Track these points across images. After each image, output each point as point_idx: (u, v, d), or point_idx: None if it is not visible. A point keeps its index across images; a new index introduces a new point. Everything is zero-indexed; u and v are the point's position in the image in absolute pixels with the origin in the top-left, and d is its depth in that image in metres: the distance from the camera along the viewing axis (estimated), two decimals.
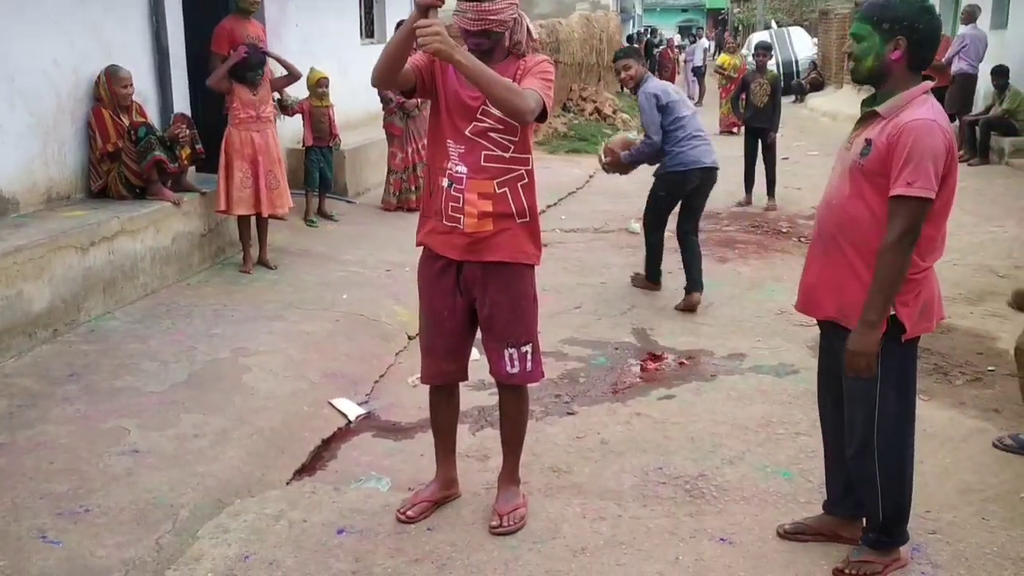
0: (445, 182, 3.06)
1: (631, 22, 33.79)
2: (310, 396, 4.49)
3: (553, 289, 6.60)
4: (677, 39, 34.95)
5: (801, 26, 27.76)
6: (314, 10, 9.17)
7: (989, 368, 5.02)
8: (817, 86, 23.95)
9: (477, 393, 4.72)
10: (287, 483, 3.75)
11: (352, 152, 8.75)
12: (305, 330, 5.23)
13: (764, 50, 10.24)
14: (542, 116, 2.94)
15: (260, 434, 4.02)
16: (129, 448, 3.73)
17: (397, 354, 5.28)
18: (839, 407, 3.08)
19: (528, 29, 3.11)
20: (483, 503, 3.50)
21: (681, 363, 5.10)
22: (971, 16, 12.04)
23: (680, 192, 6.22)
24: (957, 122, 11.97)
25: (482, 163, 3.03)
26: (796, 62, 23.94)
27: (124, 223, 5.36)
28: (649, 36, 28.39)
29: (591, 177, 11.99)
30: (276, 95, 7.25)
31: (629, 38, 27.97)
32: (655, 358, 5.16)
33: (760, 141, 9.71)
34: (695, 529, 3.34)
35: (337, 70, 8.05)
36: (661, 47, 24.65)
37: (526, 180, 3.12)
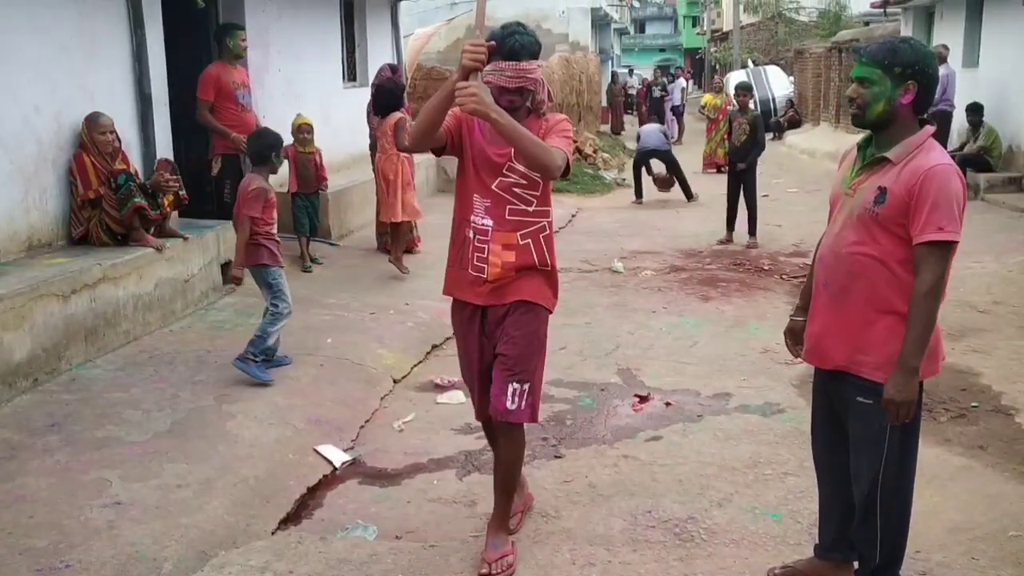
0: (471, 233, 3.23)
1: (610, 62, 34.18)
2: (295, 443, 4.44)
3: None
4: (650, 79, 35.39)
5: (777, 65, 28.17)
6: (296, 54, 9.23)
7: (973, 404, 5.04)
8: (794, 124, 24.28)
9: (464, 437, 4.71)
10: (272, 533, 3.70)
11: (336, 195, 8.76)
12: (289, 375, 5.19)
13: (744, 91, 10.38)
14: (565, 172, 3.12)
15: (244, 483, 3.97)
16: (111, 500, 3.67)
17: (382, 398, 5.25)
18: (836, 451, 3.07)
19: (548, 90, 3.31)
20: (471, 550, 3.46)
21: (667, 404, 5.09)
22: (942, 57, 12.29)
23: None
24: None
25: (507, 216, 3.20)
26: (773, 100, 24.27)
27: (106, 270, 5.33)
28: (651, 80, 28.75)
29: (574, 216, 12.06)
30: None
31: (613, 75, 28.33)
32: (641, 399, 5.15)
33: (739, 177, 9.85)
34: (685, 574, 3.31)
35: (320, 113, 8.10)
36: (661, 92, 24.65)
37: (547, 232, 3.30)
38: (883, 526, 2.92)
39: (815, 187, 14.79)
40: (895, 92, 2.74)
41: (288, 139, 7.68)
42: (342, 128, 9.61)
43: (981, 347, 6.02)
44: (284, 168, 7.66)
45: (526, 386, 3.29)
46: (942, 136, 11.80)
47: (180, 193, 6.06)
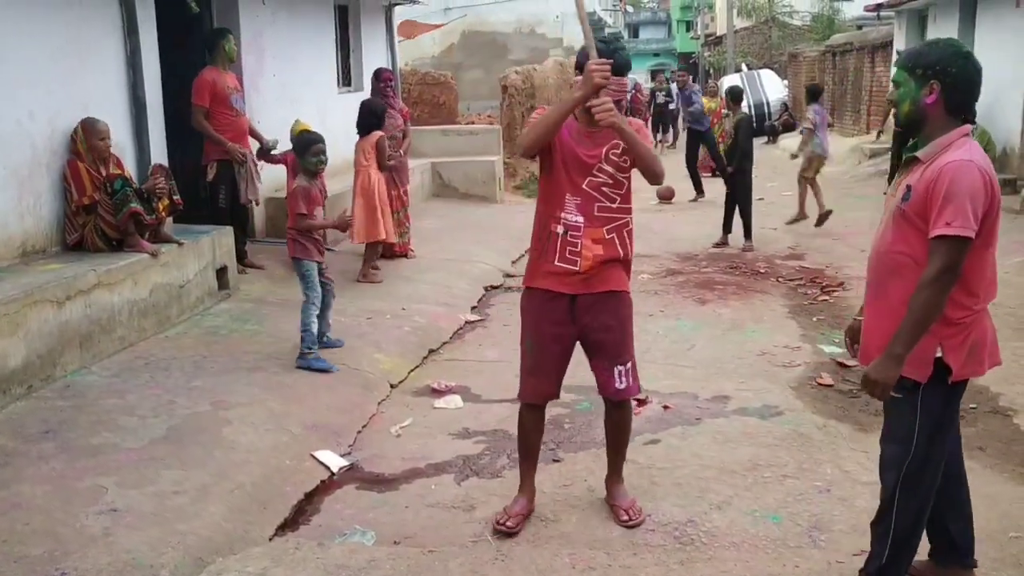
0: (560, 229, 3.51)
1: None
2: (292, 449, 4.42)
3: None
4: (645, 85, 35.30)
5: (771, 68, 28.21)
6: (291, 59, 9.22)
7: (971, 406, 5.03)
8: (789, 127, 24.29)
9: (462, 442, 4.69)
10: (270, 539, 3.68)
11: (331, 200, 8.68)
12: (285, 381, 5.17)
13: (734, 101, 10.54)
14: None
15: (241, 489, 3.95)
16: (107, 507, 3.64)
17: (379, 404, 5.23)
18: None
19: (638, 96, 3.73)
20: (471, 556, 3.45)
21: (665, 407, 5.07)
22: None
23: None
24: None
25: (596, 213, 3.50)
26: (767, 104, 24.27)
27: (101, 276, 5.30)
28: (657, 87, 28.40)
29: None
30: (257, 143, 7.27)
31: None
32: (639, 402, 5.12)
33: (730, 181, 9.92)
34: None
35: (315, 118, 8.07)
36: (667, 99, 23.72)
37: (629, 227, 3.62)
38: (898, 522, 2.94)
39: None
40: (919, 93, 2.82)
41: (284, 143, 7.67)
42: (337, 133, 9.56)
43: None
44: (282, 173, 7.66)
45: (628, 365, 3.66)
46: None
47: (175, 198, 6.04)
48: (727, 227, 10.02)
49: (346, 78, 11.24)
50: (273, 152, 7.48)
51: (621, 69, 3.45)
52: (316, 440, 4.57)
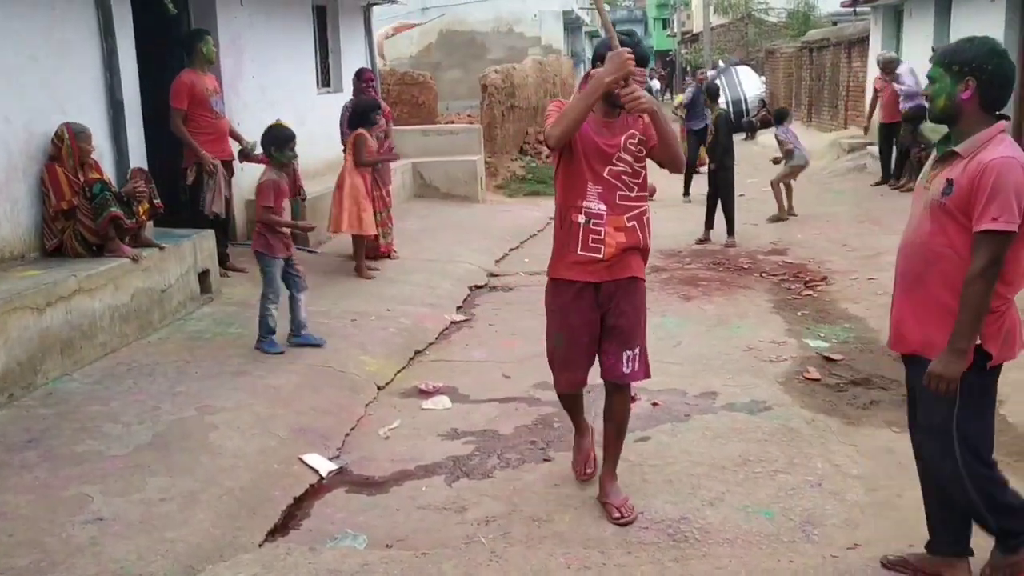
0: (582, 219, 3.58)
1: (581, 65, 34.24)
2: (279, 453, 4.37)
3: (521, 334, 6.56)
4: None
5: (748, 65, 28.32)
6: (270, 61, 9.15)
7: None
8: (767, 124, 24.39)
9: (451, 443, 4.66)
10: (260, 545, 3.63)
11: (312, 202, 8.63)
12: (271, 384, 5.12)
13: (710, 98, 10.63)
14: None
15: (230, 495, 3.90)
16: (93, 516, 3.59)
17: (367, 406, 5.18)
18: None
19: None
20: (464, 558, 3.42)
21: (654, 404, 5.06)
22: (894, 62, 12.49)
23: None
24: (906, 155, 12.26)
25: (617, 201, 3.58)
26: (745, 100, 24.38)
27: (81, 281, 5.23)
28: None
29: (551, 219, 12.03)
30: (236, 144, 7.21)
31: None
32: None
33: (713, 177, 9.95)
34: (681, 574, 3.28)
35: (294, 120, 7.98)
36: None
37: (647, 214, 3.70)
38: (982, 501, 3.03)
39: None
40: (955, 88, 2.91)
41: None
42: (317, 135, 9.53)
43: None
44: (259, 172, 7.60)
45: (637, 350, 3.73)
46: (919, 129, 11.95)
47: (155, 202, 5.98)
48: (709, 223, 10.03)
49: (325, 79, 11.17)
50: (255, 153, 7.43)
51: (642, 60, 3.52)
52: (304, 444, 4.52)
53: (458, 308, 7.38)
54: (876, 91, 13.73)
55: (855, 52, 18.23)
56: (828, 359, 5.79)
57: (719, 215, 9.90)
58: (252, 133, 7.64)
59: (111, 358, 5.39)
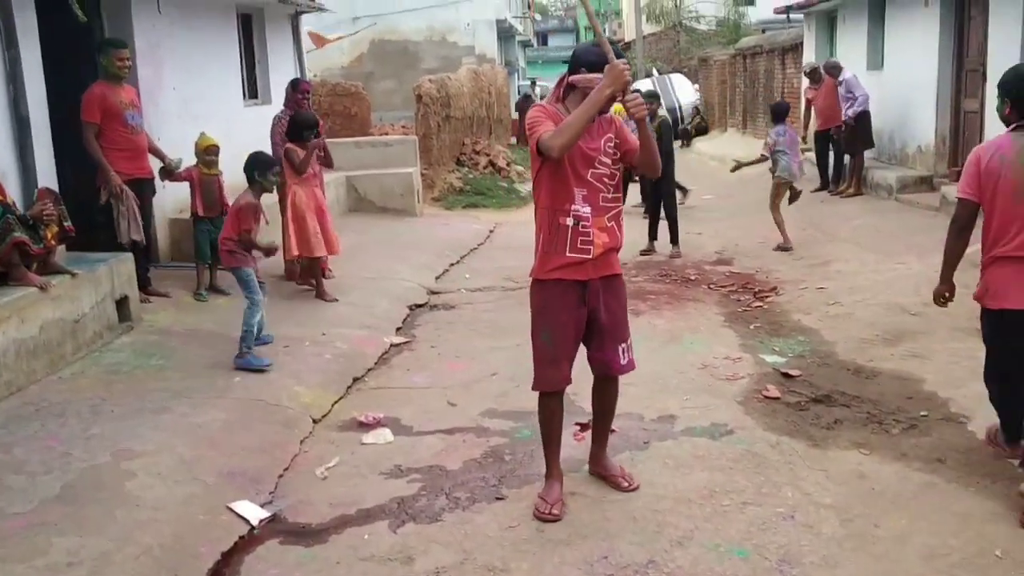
0: (570, 221, 3.68)
1: (515, 75, 34.06)
2: (205, 501, 3.96)
3: (466, 355, 6.24)
4: None
5: (681, 73, 28.44)
6: (192, 71, 8.68)
7: (922, 414, 4.87)
8: (702, 131, 24.50)
9: (395, 482, 4.29)
10: None
11: None
12: (196, 422, 4.70)
13: (651, 98, 10.25)
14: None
15: (148, 554, 3.48)
16: None
17: (302, 442, 4.79)
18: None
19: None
20: None
21: (611, 430, 4.75)
22: (838, 67, 12.45)
23: None
24: (851, 160, 12.23)
25: (600, 203, 3.72)
26: (680, 108, 24.41)
27: None
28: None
29: (492, 232, 11.74)
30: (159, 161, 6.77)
31: (526, 95, 27.89)
32: (582, 427, 4.81)
33: (654, 187, 9.70)
34: None
35: (221, 134, 7.55)
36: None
37: (621, 214, 3.85)
38: (991, 397, 4.20)
39: (728, 193, 14.83)
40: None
41: (188, 159, 7.18)
42: (244, 148, 8.98)
43: (918, 351, 5.90)
44: (183, 190, 7.15)
45: (628, 342, 3.95)
46: (866, 133, 11.95)
47: (65, 224, 5.50)
48: (653, 234, 9.84)
49: (252, 91, 10.71)
50: (178, 170, 6.99)
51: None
52: (233, 489, 4.12)
53: (398, 329, 7.02)
54: (808, 100, 13.76)
55: (788, 59, 18.33)
56: (786, 375, 5.58)
57: (662, 225, 9.71)
58: (175, 148, 7.23)
59: (17, 397, 4.90)
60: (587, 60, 3.68)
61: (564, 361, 3.87)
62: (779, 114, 10.01)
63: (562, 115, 3.69)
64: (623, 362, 3.94)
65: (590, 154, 3.69)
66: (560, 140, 3.51)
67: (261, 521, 3.92)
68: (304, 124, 7.31)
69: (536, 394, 4.03)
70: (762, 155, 9.92)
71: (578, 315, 3.81)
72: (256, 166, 5.83)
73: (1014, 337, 3.91)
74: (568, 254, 3.71)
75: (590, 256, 3.72)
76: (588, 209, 3.69)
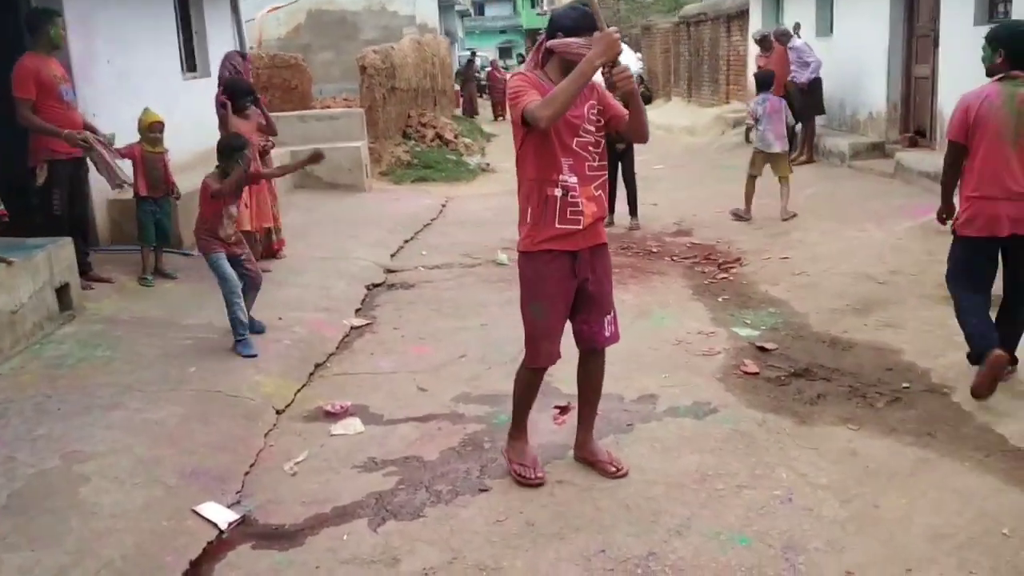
0: (558, 192, 3.58)
1: (455, 45, 33.55)
2: (168, 505, 3.68)
3: (431, 337, 6.00)
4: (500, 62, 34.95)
5: (623, 42, 28.20)
6: (127, 44, 8.20)
7: (904, 385, 4.79)
8: (646, 100, 24.36)
9: (370, 476, 4.06)
10: None
11: (185, 198, 7.82)
12: (151, 418, 4.40)
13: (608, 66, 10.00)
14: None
15: (109, 567, 3.20)
16: None
17: (266, 435, 4.51)
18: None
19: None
20: None
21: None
22: (788, 34, 12.36)
23: None
24: (802, 127, 12.18)
25: (587, 172, 3.63)
26: None
27: None
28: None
29: (444, 206, 11.46)
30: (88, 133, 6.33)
31: (470, 62, 27.50)
32: (562, 410, 4.63)
33: (618, 157, 9.46)
34: None
35: (160, 109, 7.13)
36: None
37: (606, 183, 3.75)
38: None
39: (679, 163, 14.76)
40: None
41: (128, 137, 6.77)
42: (185, 124, 8.62)
43: (891, 321, 5.83)
44: (128, 170, 6.76)
45: (613, 313, 3.88)
46: (818, 100, 11.90)
47: None
48: (611, 206, 9.64)
49: (191, 63, 10.22)
50: (113, 147, 6.57)
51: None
52: (197, 490, 3.84)
53: (357, 311, 6.74)
54: (760, 68, 13.67)
55: (734, 26, 18.26)
56: (762, 349, 5.46)
57: (620, 197, 9.52)
58: (111, 123, 6.83)
59: None
60: (564, 24, 3.55)
61: (557, 335, 3.80)
62: (762, 83, 9.68)
63: (543, 82, 3.57)
64: (607, 334, 3.88)
65: (574, 122, 3.58)
66: (549, 111, 3.39)
67: (230, 524, 3.65)
68: (239, 91, 6.97)
69: (512, 374, 3.95)
70: (748, 126, 9.60)
71: (569, 286, 3.72)
72: (219, 150, 5.51)
73: (979, 258, 4.51)
74: (557, 225, 3.61)
75: (580, 227, 3.63)
76: (575, 179, 3.59)
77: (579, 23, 3.51)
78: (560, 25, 3.55)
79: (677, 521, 3.50)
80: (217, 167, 5.50)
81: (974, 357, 4.49)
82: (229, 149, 5.43)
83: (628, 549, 3.32)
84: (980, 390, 4.31)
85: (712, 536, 3.39)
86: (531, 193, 3.65)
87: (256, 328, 5.66)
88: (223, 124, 6.92)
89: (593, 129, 3.64)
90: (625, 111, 3.67)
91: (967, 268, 4.56)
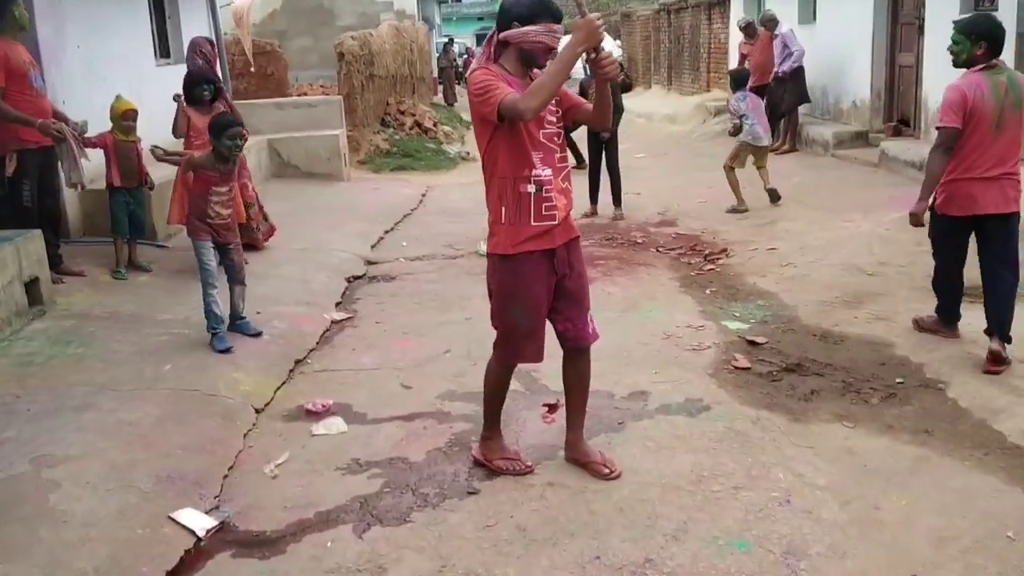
0: (532, 188, 3.48)
1: (433, 31, 33.20)
2: (143, 512, 3.52)
3: (414, 331, 5.86)
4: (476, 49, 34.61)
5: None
6: (98, 29, 7.97)
7: (899, 380, 4.71)
8: (626, 87, 24.23)
9: (354, 478, 3.92)
10: None
11: (159, 188, 7.61)
12: (125, 419, 4.23)
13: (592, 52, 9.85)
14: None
15: None
16: None
17: (246, 436, 4.36)
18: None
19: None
20: None
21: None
22: (775, 20, 12.24)
23: None
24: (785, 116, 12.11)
25: (557, 164, 3.55)
26: None
27: None
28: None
29: (424, 196, 11.30)
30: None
31: (446, 46, 27.21)
32: (550, 407, 4.50)
33: (602, 146, 9.34)
34: None
35: (132, 96, 6.92)
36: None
37: (571, 175, 3.68)
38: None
39: (661, 151, 14.66)
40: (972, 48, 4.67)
41: (99, 126, 6.55)
42: (156, 112, 8.34)
43: (882, 314, 5.75)
44: (99, 159, 6.56)
45: (591, 310, 3.81)
46: (801, 89, 11.82)
47: None
48: (594, 196, 9.53)
49: (163, 49, 9.98)
50: (85, 135, 6.35)
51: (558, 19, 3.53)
52: (173, 495, 3.68)
53: (337, 304, 6.58)
54: (743, 55, 13.57)
55: (715, 14, 18.16)
56: (752, 343, 5.36)
57: (604, 187, 9.40)
58: (81, 111, 6.62)
59: None
60: (519, 13, 3.41)
61: (540, 334, 3.72)
62: (738, 81, 9.57)
63: (505, 75, 3.43)
64: (591, 331, 3.82)
65: (540, 114, 3.47)
66: (536, 101, 3.28)
67: (208, 531, 3.50)
68: (192, 80, 6.79)
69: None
70: (733, 124, 9.45)
71: (549, 285, 3.65)
72: (210, 130, 5.33)
73: (958, 236, 4.87)
74: (534, 223, 3.52)
75: (556, 222, 3.55)
76: (549, 171, 3.52)
77: (534, 10, 3.39)
78: (515, 14, 3.42)
79: (674, 525, 3.39)
80: (212, 149, 5.33)
81: (943, 315, 5.18)
82: (216, 128, 5.25)
83: (624, 555, 3.21)
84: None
85: (710, 541, 3.28)
86: (504, 192, 3.52)
87: (248, 330, 5.48)
88: (176, 117, 6.71)
89: (555, 120, 3.57)
90: (582, 100, 3.65)
91: (946, 241, 4.93)
